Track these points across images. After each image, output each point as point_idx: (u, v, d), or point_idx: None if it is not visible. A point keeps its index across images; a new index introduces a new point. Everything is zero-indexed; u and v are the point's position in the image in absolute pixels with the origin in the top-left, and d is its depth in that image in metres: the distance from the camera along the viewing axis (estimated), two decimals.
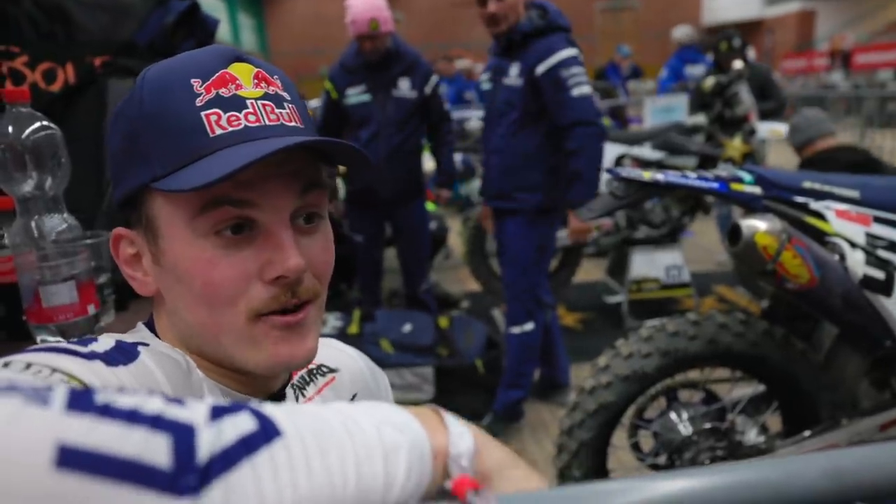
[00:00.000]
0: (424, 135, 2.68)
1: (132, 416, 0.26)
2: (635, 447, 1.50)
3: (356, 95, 2.51)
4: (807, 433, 1.39)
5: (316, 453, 0.29)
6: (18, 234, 0.76)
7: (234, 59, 0.46)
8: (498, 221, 2.22)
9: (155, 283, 0.49)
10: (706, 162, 3.22)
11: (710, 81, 3.61)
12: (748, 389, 1.48)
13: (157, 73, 0.46)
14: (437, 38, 13.23)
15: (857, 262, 1.24)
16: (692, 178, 1.30)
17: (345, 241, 2.80)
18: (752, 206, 1.31)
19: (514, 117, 2.06)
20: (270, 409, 0.30)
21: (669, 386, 1.45)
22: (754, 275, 1.25)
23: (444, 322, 2.55)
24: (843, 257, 1.25)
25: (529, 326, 2.20)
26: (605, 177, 1.35)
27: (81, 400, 0.26)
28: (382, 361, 2.27)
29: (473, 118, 4.98)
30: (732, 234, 1.23)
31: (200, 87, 0.44)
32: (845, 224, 1.28)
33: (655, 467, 1.47)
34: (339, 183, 3.12)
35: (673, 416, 1.44)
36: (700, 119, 3.50)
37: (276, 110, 0.46)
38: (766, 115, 3.71)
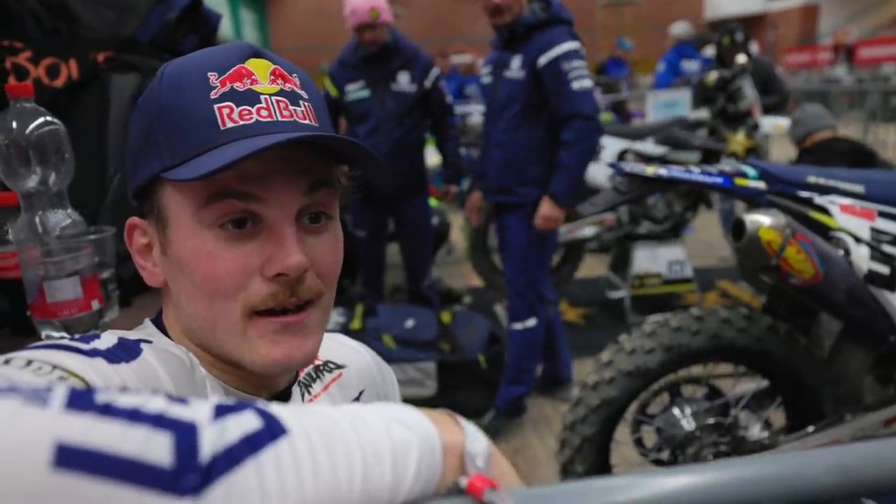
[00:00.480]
0: (427, 129, 2.67)
1: (133, 415, 0.26)
2: (638, 443, 1.50)
3: (355, 91, 2.50)
4: (810, 429, 1.39)
5: (322, 452, 0.28)
6: (22, 230, 0.76)
7: (252, 55, 0.46)
8: (499, 217, 2.22)
9: (163, 274, 0.50)
10: (709, 157, 3.21)
11: (713, 76, 3.59)
12: (751, 385, 1.48)
13: (176, 66, 0.47)
14: (439, 32, 13.18)
15: (861, 257, 1.24)
16: (695, 174, 1.30)
17: (348, 237, 2.81)
18: (755, 200, 1.30)
19: (516, 110, 2.05)
20: (276, 407, 0.30)
21: (672, 381, 1.45)
22: (758, 270, 1.25)
23: (446, 317, 2.55)
24: (847, 252, 1.25)
25: (532, 322, 2.20)
26: (608, 172, 1.35)
27: (81, 399, 0.26)
28: (385, 356, 2.26)
29: (475, 113, 4.97)
30: (736, 229, 1.22)
31: (216, 80, 0.45)
32: (850, 219, 1.27)
33: (659, 463, 1.47)
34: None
35: (676, 411, 1.44)
36: (703, 114, 3.48)
37: (290, 107, 0.46)
38: (769, 110, 3.70)
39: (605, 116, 4.72)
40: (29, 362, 0.35)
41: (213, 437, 0.27)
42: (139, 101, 0.48)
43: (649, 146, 3.26)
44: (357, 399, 0.63)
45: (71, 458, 0.24)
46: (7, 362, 0.35)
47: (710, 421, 1.41)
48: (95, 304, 0.78)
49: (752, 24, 15.12)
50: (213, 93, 0.44)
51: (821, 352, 1.44)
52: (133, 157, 0.49)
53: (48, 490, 0.23)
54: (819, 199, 1.30)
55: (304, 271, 0.46)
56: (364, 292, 2.85)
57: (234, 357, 0.48)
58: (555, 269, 3.37)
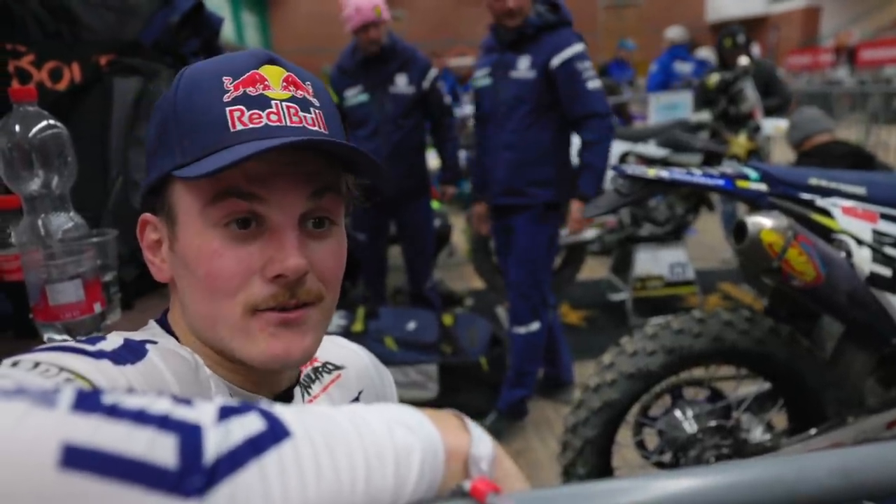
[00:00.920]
0: (427, 131, 2.67)
1: (139, 417, 0.26)
2: (640, 445, 1.49)
3: (354, 96, 2.51)
4: (813, 431, 1.39)
5: (325, 455, 0.28)
6: (25, 233, 0.76)
7: (266, 61, 0.48)
8: (505, 219, 2.21)
9: (170, 270, 0.51)
10: (711, 159, 3.21)
11: (714, 78, 3.59)
12: (753, 387, 1.48)
13: (194, 69, 0.48)
14: (441, 35, 13.20)
15: (863, 259, 1.24)
16: (697, 176, 1.30)
17: (348, 239, 2.81)
18: (757, 203, 1.30)
19: (527, 110, 2.05)
20: (280, 409, 0.30)
21: (674, 383, 1.45)
22: (759, 272, 1.24)
23: (448, 319, 2.55)
24: (849, 254, 1.25)
25: (535, 326, 2.19)
26: (609, 174, 1.35)
27: (88, 400, 0.26)
28: (387, 359, 2.26)
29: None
30: (738, 231, 1.22)
31: (230, 84, 0.46)
32: (852, 221, 1.27)
33: (660, 465, 1.46)
34: None
35: (678, 413, 1.44)
36: (705, 116, 3.48)
37: (300, 113, 0.47)
38: (770, 112, 3.69)
39: None
40: (36, 364, 0.35)
41: (218, 439, 0.27)
42: (157, 102, 0.50)
43: (651, 148, 3.26)
44: (356, 400, 0.64)
45: (78, 459, 0.24)
46: (15, 365, 0.35)
47: (712, 423, 1.40)
48: (97, 307, 0.78)
49: (754, 25, 15.11)
50: (226, 96, 0.46)
51: (823, 354, 1.44)
52: (148, 156, 0.50)
53: (55, 490, 0.24)
54: (821, 202, 1.30)
55: (302, 274, 0.46)
56: (366, 295, 2.85)
57: (234, 352, 0.48)
58: (556, 272, 3.37)
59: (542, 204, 2.10)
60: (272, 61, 0.48)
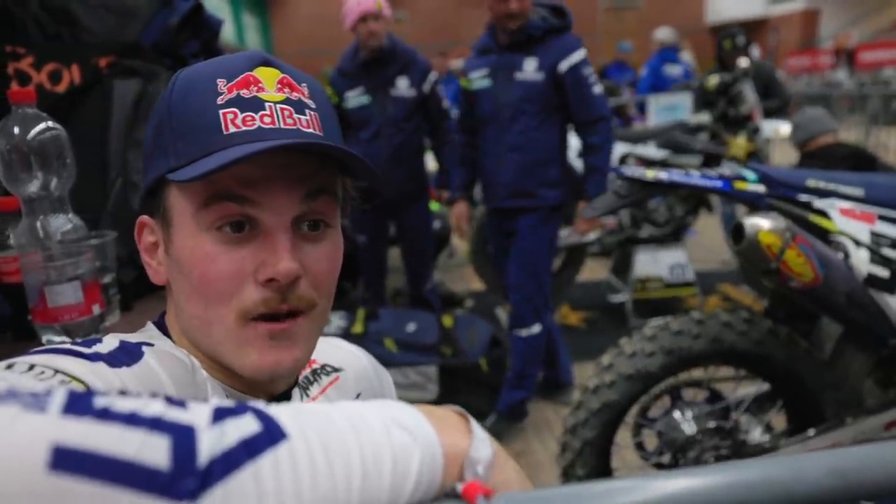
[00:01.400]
0: (427, 134, 2.67)
1: (131, 418, 0.26)
2: (639, 446, 1.49)
3: (355, 98, 2.51)
4: (811, 432, 1.39)
5: (321, 457, 0.28)
6: (24, 235, 0.76)
7: (261, 63, 0.47)
8: (509, 221, 2.20)
9: (166, 273, 0.51)
10: (710, 160, 3.21)
11: (714, 80, 3.60)
12: (752, 388, 1.48)
13: (189, 72, 0.48)
14: (442, 37, 13.21)
15: (861, 261, 1.24)
16: (696, 177, 1.30)
17: (347, 241, 2.81)
18: (755, 204, 1.30)
19: (535, 112, 2.06)
20: (275, 410, 0.30)
21: (673, 385, 1.45)
22: (758, 273, 1.25)
23: (448, 321, 2.55)
24: (847, 255, 1.25)
25: (536, 329, 2.19)
26: (609, 175, 1.35)
27: (79, 403, 0.26)
28: (387, 360, 2.26)
29: None
30: (736, 232, 1.22)
31: (224, 86, 0.46)
32: (850, 222, 1.27)
33: (659, 466, 1.46)
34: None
35: (677, 414, 1.44)
36: (704, 117, 3.49)
37: (295, 115, 0.47)
38: (770, 114, 3.70)
39: None
40: (31, 367, 0.35)
41: (212, 441, 0.27)
42: (155, 105, 0.50)
43: (650, 150, 3.27)
44: None
45: (68, 461, 0.24)
46: (9, 367, 0.35)
47: (711, 424, 1.40)
48: (96, 309, 0.78)
49: (754, 27, 15.13)
50: (219, 98, 0.46)
51: (821, 355, 1.44)
52: (145, 158, 0.50)
53: (45, 491, 0.23)
54: (819, 203, 1.30)
55: (294, 278, 0.46)
56: (365, 296, 2.85)
57: (225, 361, 0.48)
58: (556, 273, 3.37)
59: (549, 206, 2.11)
60: (267, 63, 0.48)
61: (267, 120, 0.45)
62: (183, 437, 0.26)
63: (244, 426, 0.28)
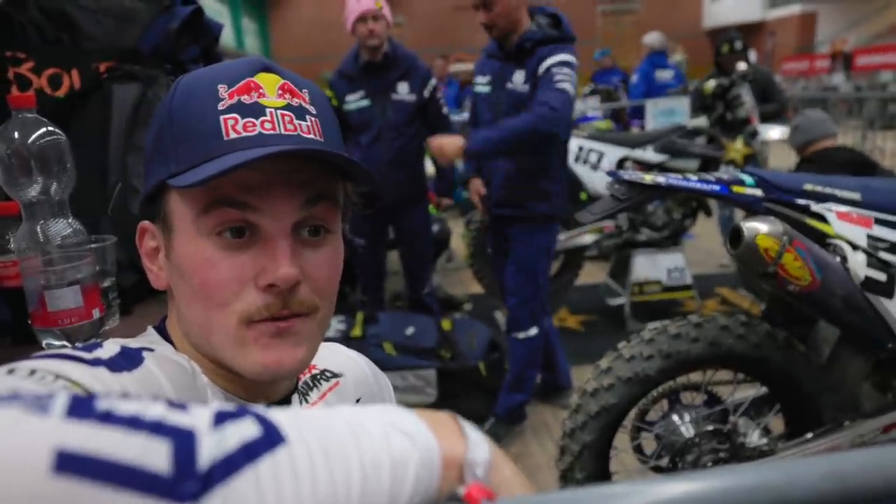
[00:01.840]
0: (426, 138, 2.68)
1: (133, 422, 0.26)
2: (638, 449, 1.50)
3: (356, 101, 2.51)
4: (809, 435, 1.39)
5: (321, 462, 0.28)
6: (24, 239, 0.76)
7: (262, 69, 0.48)
8: (503, 228, 2.21)
9: (167, 278, 0.51)
10: (708, 164, 3.22)
11: (711, 84, 3.61)
12: (750, 391, 1.48)
13: (190, 78, 0.48)
14: (440, 42, 13.25)
15: (858, 264, 1.25)
16: (694, 181, 1.31)
17: (346, 244, 2.81)
18: (753, 208, 1.31)
19: None
20: (275, 414, 0.30)
21: (671, 388, 1.45)
22: (756, 277, 1.25)
23: (446, 324, 2.55)
24: (844, 259, 1.25)
25: (534, 332, 2.19)
26: (607, 179, 1.35)
27: (82, 406, 0.26)
28: (385, 364, 2.28)
29: None
30: (734, 236, 1.23)
31: (225, 92, 0.46)
32: (846, 226, 1.28)
33: (658, 469, 1.47)
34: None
35: (675, 418, 1.45)
36: (702, 121, 3.50)
37: (295, 121, 0.47)
38: (767, 118, 3.72)
39: (605, 124, 4.75)
40: (32, 372, 0.35)
41: (212, 445, 0.27)
42: (155, 110, 0.50)
43: (648, 154, 3.28)
44: None
45: (70, 464, 0.24)
46: (11, 372, 0.35)
47: (709, 428, 1.41)
48: (96, 313, 0.78)
49: (751, 31, 15.20)
50: (220, 104, 0.46)
51: (819, 358, 1.44)
52: (146, 163, 0.51)
53: (47, 495, 0.24)
54: (816, 207, 1.30)
55: (294, 283, 0.46)
56: (364, 300, 2.86)
57: (227, 362, 0.48)
58: (555, 277, 3.37)
59: (542, 215, 2.11)
60: (268, 69, 0.48)
61: (267, 126, 0.46)
62: (184, 441, 0.26)
63: (244, 430, 0.28)
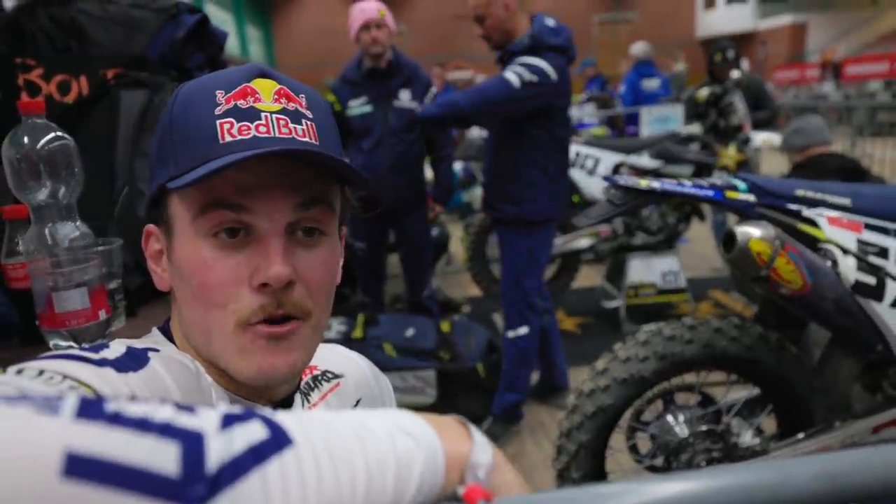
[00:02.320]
0: (426, 144, 2.71)
1: (142, 424, 0.26)
2: (633, 449, 1.51)
3: (358, 107, 2.54)
4: (801, 435, 1.41)
5: (327, 464, 0.28)
6: (32, 241, 0.77)
7: (258, 75, 0.49)
8: (495, 228, 2.27)
9: (170, 280, 0.52)
10: (701, 170, 3.26)
11: (704, 92, 3.66)
12: (743, 392, 1.50)
13: (191, 85, 0.50)
14: (441, 50, 13.30)
15: (848, 268, 1.27)
16: (688, 186, 1.33)
17: (346, 248, 2.82)
18: (746, 213, 1.33)
19: (500, 128, 2.11)
20: (282, 416, 0.30)
21: (666, 389, 1.47)
22: (749, 280, 1.27)
23: (445, 326, 2.56)
24: (835, 263, 1.28)
25: (524, 331, 2.22)
26: (603, 184, 1.37)
27: (91, 408, 0.26)
28: (385, 365, 2.29)
29: (474, 127, 5.01)
30: (727, 240, 1.25)
31: (222, 97, 0.47)
32: (837, 231, 1.30)
33: (653, 469, 1.48)
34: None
35: (670, 418, 1.46)
36: (695, 128, 3.54)
37: (290, 125, 0.47)
38: (759, 125, 3.76)
39: (601, 131, 4.79)
40: (40, 372, 0.36)
41: (220, 448, 0.27)
42: (160, 116, 0.51)
43: (643, 160, 3.31)
44: (354, 409, 0.65)
45: (80, 467, 0.24)
46: (19, 372, 0.36)
47: (703, 428, 1.42)
48: (102, 314, 0.79)
49: (743, 41, 15.33)
50: (217, 109, 0.47)
51: (810, 360, 1.46)
52: (151, 168, 0.52)
53: (57, 498, 0.24)
54: (807, 212, 1.33)
55: (287, 282, 0.47)
56: (363, 301, 2.87)
57: (223, 366, 0.49)
58: (551, 280, 3.40)
59: (514, 220, 2.12)
60: (264, 75, 0.49)
61: (262, 129, 0.46)
62: (192, 444, 0.26)
63: (252, 432, 0.28)
